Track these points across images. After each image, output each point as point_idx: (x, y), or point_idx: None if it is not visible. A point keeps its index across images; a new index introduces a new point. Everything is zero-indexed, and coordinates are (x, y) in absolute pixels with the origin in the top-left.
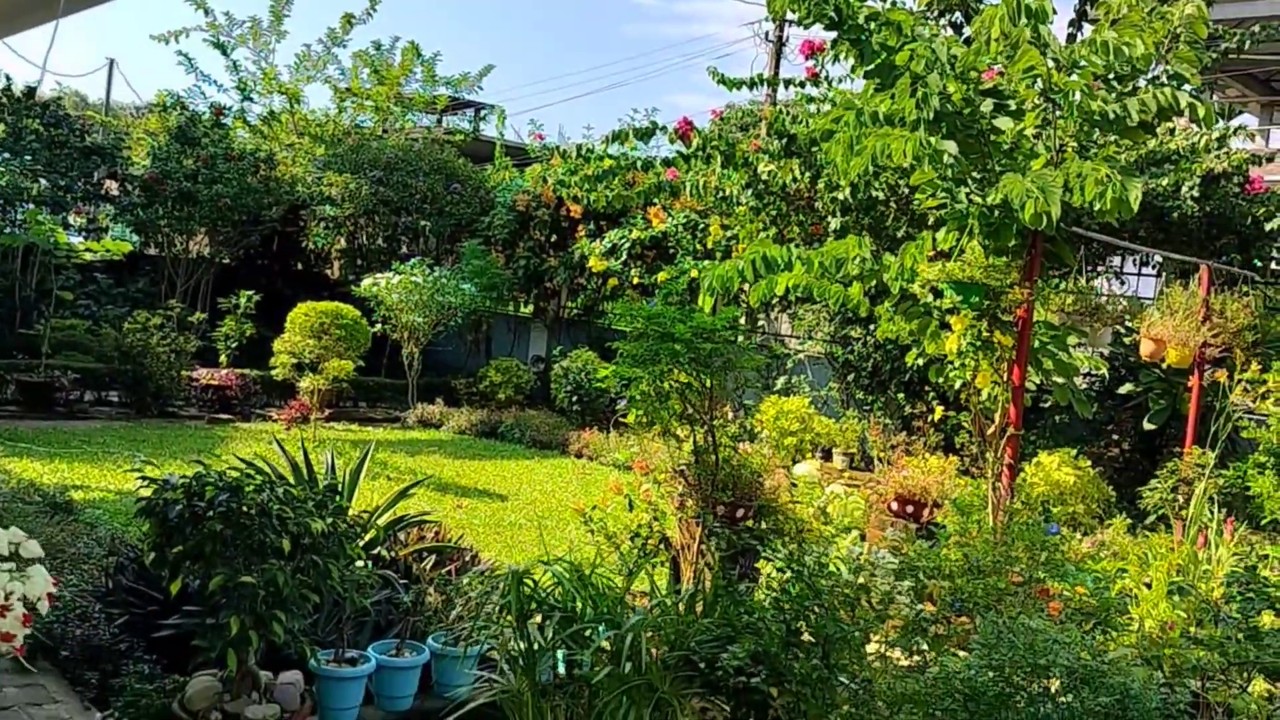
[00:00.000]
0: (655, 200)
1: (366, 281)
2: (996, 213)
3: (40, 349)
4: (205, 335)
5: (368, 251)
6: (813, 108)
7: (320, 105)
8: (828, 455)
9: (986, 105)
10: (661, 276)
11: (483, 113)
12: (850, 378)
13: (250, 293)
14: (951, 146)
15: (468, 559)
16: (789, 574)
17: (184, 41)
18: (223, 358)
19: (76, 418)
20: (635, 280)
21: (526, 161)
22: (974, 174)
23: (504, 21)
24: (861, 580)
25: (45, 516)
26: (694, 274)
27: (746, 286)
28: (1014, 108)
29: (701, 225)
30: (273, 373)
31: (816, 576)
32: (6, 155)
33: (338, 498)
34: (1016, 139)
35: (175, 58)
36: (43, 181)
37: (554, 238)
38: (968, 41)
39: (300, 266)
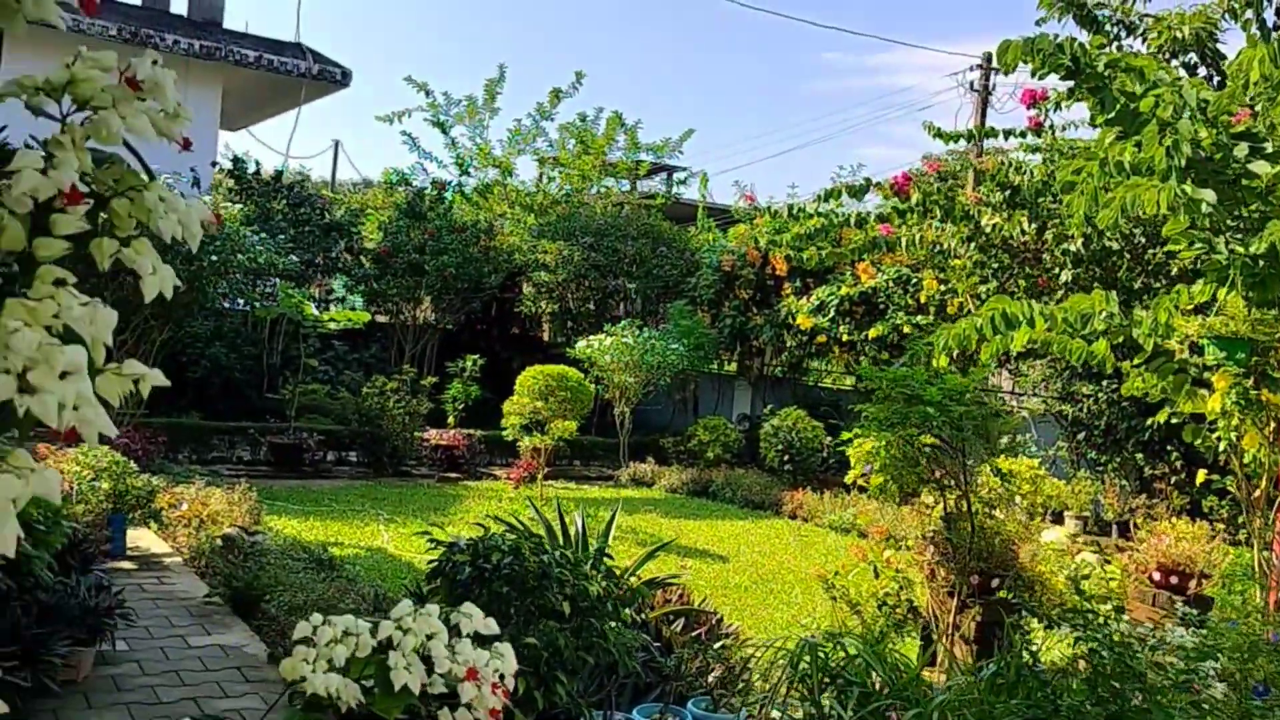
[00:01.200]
0: (865, 256)
1: (581, 344)
2: (1262, 262)
3: (287, 412)
4: (433, 398)
5: (577, 314)
6: (1036, 158)
7: (529, 175)
8: (1058, 518)
9: (1240, 150)
10: (872, 333)
11: (676, 175)
12: (1081, 437)
13: (475, 357)
14: (1210, 195)
15: (714, 622)
16: (1097, 650)
17: (406, 121)
18: (451, 419)
19: (321, 476)
20: (844, 337)
21: (727, 221)
22: (1228, 222)
23: (697, 87)
24: (1163, 659)
25: (313, 572)
26: (906, 329)
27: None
28: (1270, 150)
29: (914, 280)
30: (503, 433)
31: (1135, 655)
32: (264, 234)
33: (605, 560)
34: (1272, 183)
35: (397, 137)
36: (292, 257)
37: (758, 296)
38: (1209, 82)
39: (515, 330)
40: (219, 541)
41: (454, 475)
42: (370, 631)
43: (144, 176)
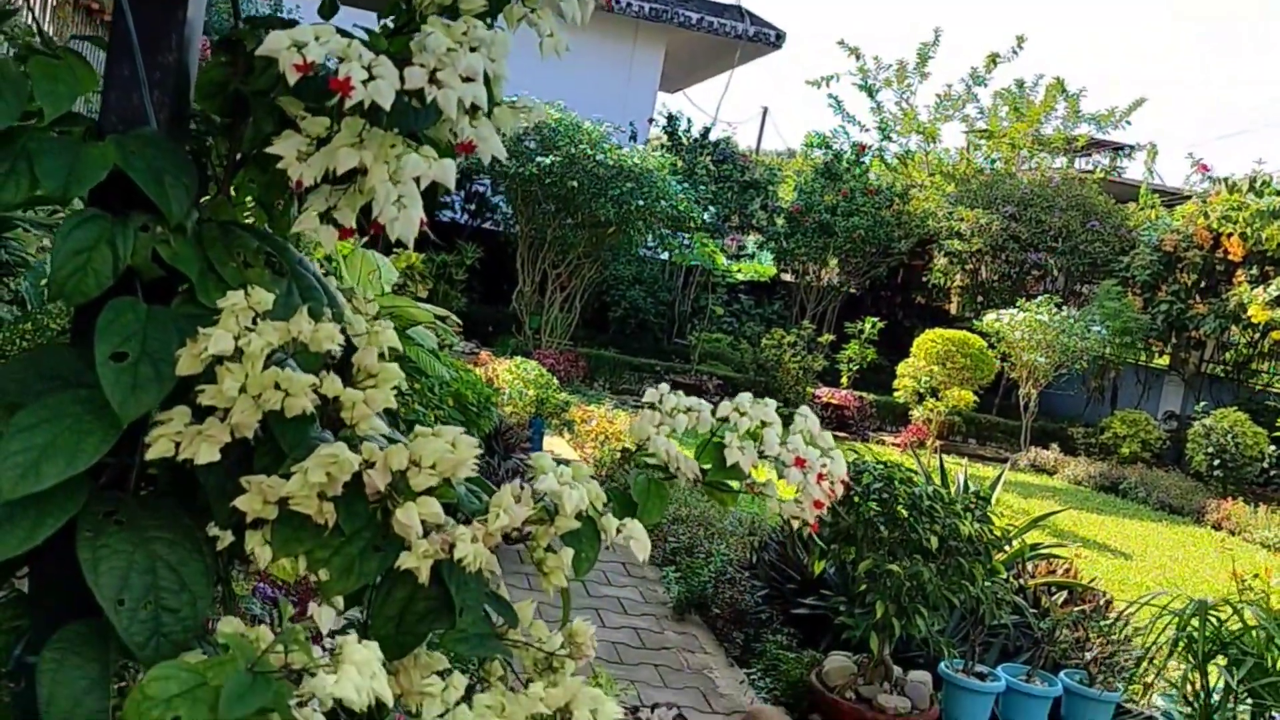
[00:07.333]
0: None
1: (989, 316)
2: None
3: (691, 356)
4: (828, 356)
5: (989, 288)
6: None
7: (953, 143)
8: None
9: None
10: None
11: (1122, 152)
12: None
13: (875, 320)
14: None
15: (1101, 602)
16: None
17: (834, 85)
18: (844, 379)
19: None
20: None
21: (1176, 200)
22: None
23: (1165, 54)
24: None
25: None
26: None
27: None
28: None
29: None
30: (894, 395)
31: None
32: (687, 185)
33: (986, 507)
34: None
35: (824, 101)
36: (710, 209)
37: (1204, 282)
38: None
39: (921, 300)
40: (619, 455)
41: (842, 434)
42: (711, 411)
43: None
